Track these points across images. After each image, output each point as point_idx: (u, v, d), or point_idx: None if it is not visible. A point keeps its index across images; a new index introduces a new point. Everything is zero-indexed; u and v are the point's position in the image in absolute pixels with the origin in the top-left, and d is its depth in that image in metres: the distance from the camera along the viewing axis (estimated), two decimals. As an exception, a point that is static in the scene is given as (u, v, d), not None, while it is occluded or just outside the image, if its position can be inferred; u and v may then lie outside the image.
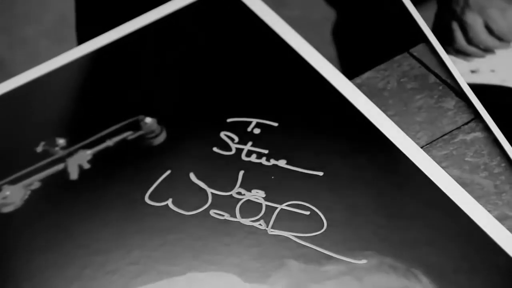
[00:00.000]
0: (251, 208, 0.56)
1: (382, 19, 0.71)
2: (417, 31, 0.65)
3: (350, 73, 0.64)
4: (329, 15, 0.73)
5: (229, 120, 0.61)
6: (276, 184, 0.57)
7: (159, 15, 0.70)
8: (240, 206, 0.56)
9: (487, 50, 0.63)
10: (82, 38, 0.71)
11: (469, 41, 0.64)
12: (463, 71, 0.62)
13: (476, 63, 0.63)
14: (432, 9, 0.66)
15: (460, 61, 0.63)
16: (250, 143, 0.60)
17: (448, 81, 0.62)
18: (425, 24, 0.65)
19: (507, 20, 0.64)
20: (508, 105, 0.61)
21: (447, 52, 0.63)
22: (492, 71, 0.62)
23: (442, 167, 0.57)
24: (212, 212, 0.56)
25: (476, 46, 0.64)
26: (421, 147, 0.58)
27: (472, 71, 0.62)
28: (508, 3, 0.64)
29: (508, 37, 0.63)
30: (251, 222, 0.55)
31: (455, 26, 0.65)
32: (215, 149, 0.60)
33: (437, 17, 0.66)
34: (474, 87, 0.61)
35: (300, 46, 0.65)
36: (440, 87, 0.62)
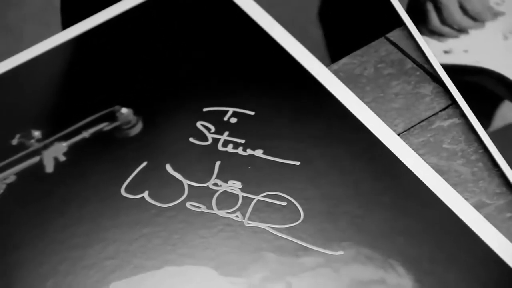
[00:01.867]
0: (227, 199, 0.55)
1: (358, 3, 0.70)
2: (393, 13, 0.64)
3: (333, 57, 0.64)
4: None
5: (205, 109, 0.61)
6: (252, 175, 0.56)
7: (137, 2, 0.69)
8: (217, 198, 0.55)
9: (461, 30, 0.63)
10: (66, 24, 0.70)
11: (443, 21, 0.63)
12: (436, 52, 0.62)
13: (449, 43, 0.62)
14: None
15: (433, 41, 0.62)
16: (226, 133, 0.59)
17: (425, 66, 0.62)
18: (400, 6, 0.65)
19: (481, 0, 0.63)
20: (479, 85, 0.60)
21: (421, 33, 0.63)
22: (465, 51, 0.62)
23: (420, 155, 0.56)
24: (188, 204, 0.55)
25: (450, 26, 0.63)
26: (398, 134, 0.58)
27: (445, 52, 0.62)
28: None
29: (482, 17, 0.63)
30: (228, 214, 0.55)
31: (430, 6, 0.64)
32: (191, 139, 0.59)
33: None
34: (446, 67, 0.60)
35: (276, 33, 0.65)
36: (417, 73, 0.61)
